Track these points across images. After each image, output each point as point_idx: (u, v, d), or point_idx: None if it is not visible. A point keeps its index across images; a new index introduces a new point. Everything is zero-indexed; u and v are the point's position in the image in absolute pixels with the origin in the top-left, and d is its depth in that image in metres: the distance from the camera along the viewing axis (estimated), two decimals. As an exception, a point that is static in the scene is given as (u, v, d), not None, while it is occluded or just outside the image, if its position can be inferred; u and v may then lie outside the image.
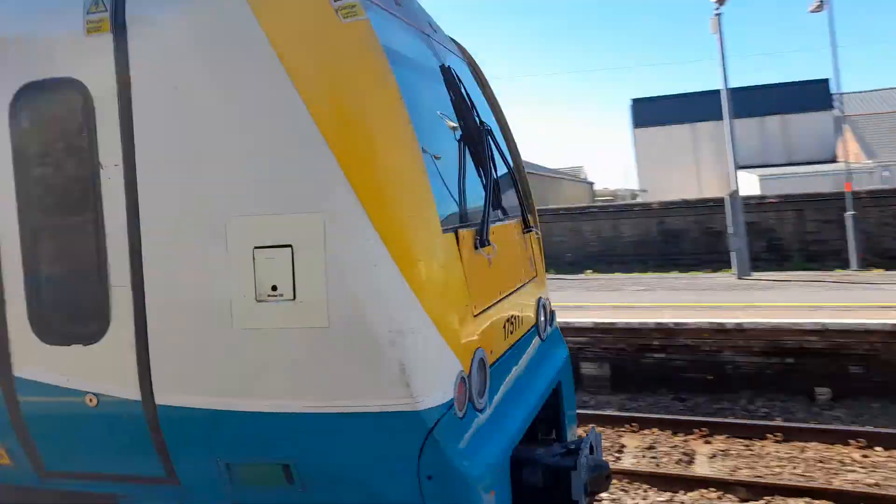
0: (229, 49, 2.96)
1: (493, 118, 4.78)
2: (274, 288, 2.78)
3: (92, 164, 3.05)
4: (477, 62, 5.18)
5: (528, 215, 4.75)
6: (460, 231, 3.23)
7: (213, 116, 2.95)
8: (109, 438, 3.11)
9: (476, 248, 3.34)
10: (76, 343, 3.09)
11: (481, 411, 3.10)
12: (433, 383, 2.77)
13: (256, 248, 2.79)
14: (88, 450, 3.21)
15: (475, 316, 3.20)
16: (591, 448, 3.79)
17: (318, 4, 2.91)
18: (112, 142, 3.01)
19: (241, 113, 2.93)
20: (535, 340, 4.48)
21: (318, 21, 2.91)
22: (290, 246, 2.76)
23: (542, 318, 4.66)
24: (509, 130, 5.13)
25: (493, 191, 3.65)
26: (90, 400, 3.05)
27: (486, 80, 5.14)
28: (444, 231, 3.02)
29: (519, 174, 4.85)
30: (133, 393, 2.99)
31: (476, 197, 3.55)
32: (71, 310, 3.20)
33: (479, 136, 3.72)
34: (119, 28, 2.99)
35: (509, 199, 4.37)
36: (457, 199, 3.40)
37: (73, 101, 3.06)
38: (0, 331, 3.21)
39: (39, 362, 3.16)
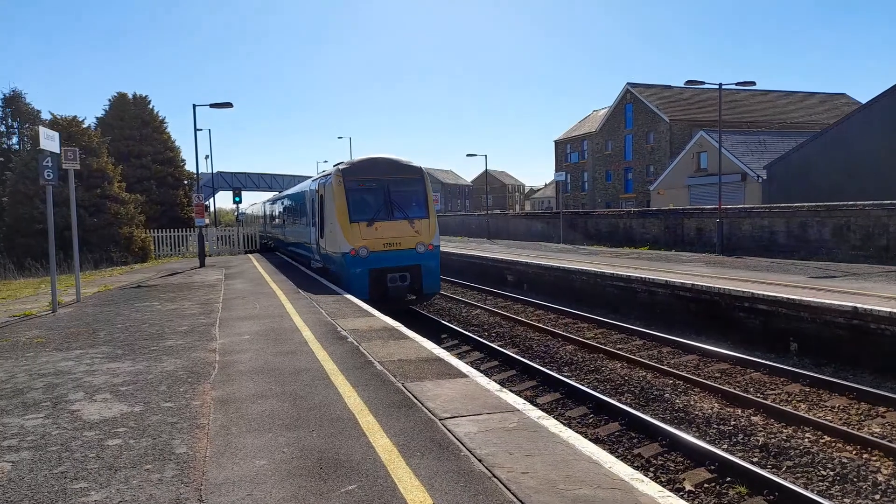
0: (329, 193, 15.49)
1: (415, 188, 15.78)
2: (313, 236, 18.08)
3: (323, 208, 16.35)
4: (423, 172, 16.19)
5: (418, 221, 15.27)
6: (356, 222, 14.84)
7: (328, 204, 15.62)
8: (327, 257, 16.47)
9: (369, 226, 14.84)
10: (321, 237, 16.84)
11: (359, 257, 14.63)
12: (345, 249, 14.69)
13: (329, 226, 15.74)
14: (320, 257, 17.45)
15: (364, 240, 14.73)
16: (417, 273, 15.18)
17: (338, 180, 15.08)
18: (322, 205, 16.44)
19: (329, 204, 15.57)
20: (413, 252, 15.03)
21: (336, 182, 15.11)
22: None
23: (420, 247, 15.06)
24: (425, 189, 15.86)
25: (383, 212, 15.18)
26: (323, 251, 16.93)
27: (424, 175, 16.11)
28: (352, 222, 14.84)
29: (423, 210, 15.64)
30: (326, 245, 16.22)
31: (380, 217, 15.15)
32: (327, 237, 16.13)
33: (383, 200, 15.32)
34: (325, 188, 16.10)
35: (404, 212, 15.37)
36: (362, 218, 14.92)
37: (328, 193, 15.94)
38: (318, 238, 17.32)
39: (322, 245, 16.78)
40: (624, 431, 7.52)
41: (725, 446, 7.02)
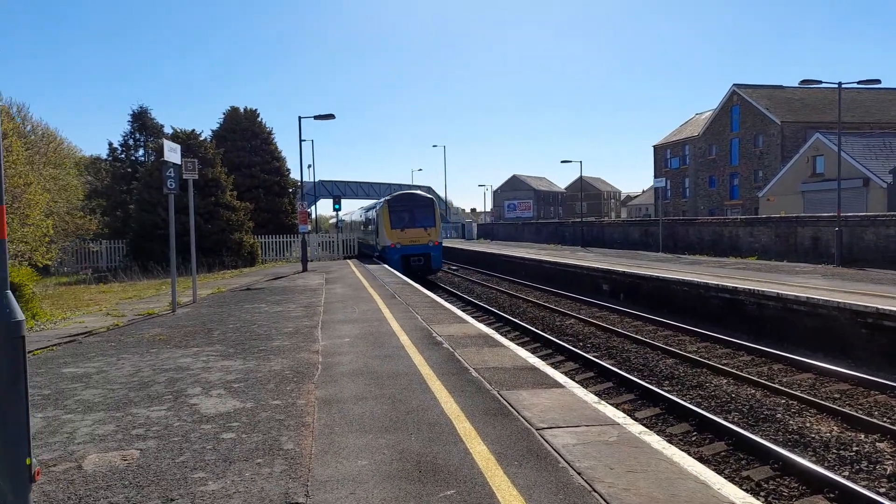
0: (381, 213, 28.64)
1: (428, 210, 28.47)
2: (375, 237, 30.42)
3: (378, 221, 29.56)
4: (433, 200, 29.44)
5: (430, 229, 27.89)
6: (395, 229, 27.55)
7: (381, 220, 28.55)
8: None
9: (401, 230, 27.55)
10: (377, 237, 29.88)
11: (396, 248, 27.28)
12: (388, 244, 27.60)
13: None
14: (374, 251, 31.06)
15: (398, 238, 27.45)
16: (429, 259, 27.84)
17: (385, 206, 28.52)
18: (378, 220, 29.63)
19: (381, 219, 28.51)
20: (426, 246, 27.61)
21: (384, 207, 28.48)
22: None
23: (430, 243, 27.59)
24: (434, 211, 28.63)
25: (410, 223, 27.90)
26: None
27: (434, 203, 29.19)
28: (392, 229, 27.60)
29: (433, 222, 28.28)
30: (379, 242, 29.04)
31: (407, 226, 27.93)
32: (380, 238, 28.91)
33: (408, 217, 28.11)
34: (379, 210, 29.75)
35: (421, 224, 27.96)
36: (398, 226, 27.62)
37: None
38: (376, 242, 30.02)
39: (378, 242, 29.48)
40: (731, 452, 7.13)
41: (846, 473, 6.50)
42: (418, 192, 30.84)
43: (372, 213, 32.47)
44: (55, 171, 25.24)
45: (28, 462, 3.26)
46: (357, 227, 40.33)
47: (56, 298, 17.14)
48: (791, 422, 8.09)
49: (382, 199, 31.16)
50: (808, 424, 7.98)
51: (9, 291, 3.35)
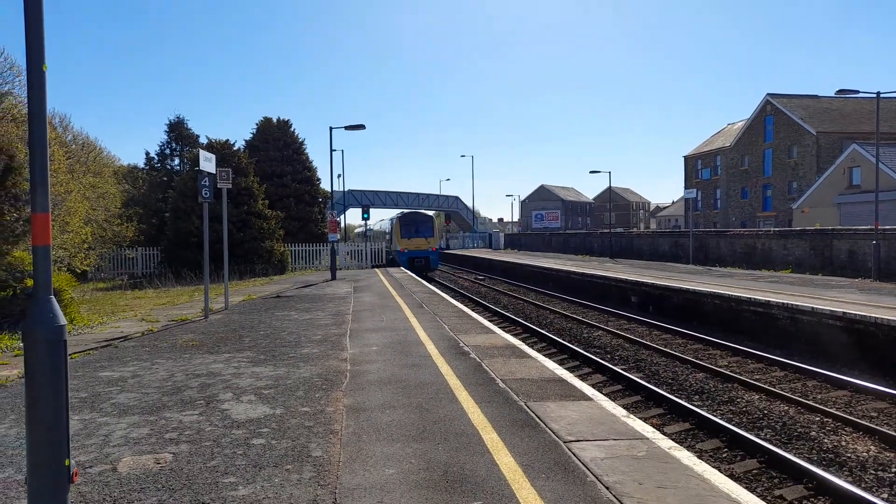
0: (395, 226, 39.98)
1: (429, 224, 39.04)
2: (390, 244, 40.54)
3: (392, 232, 41.03)
4: (433, 217, 41.21)
5: (429, 238, 37.63)
6: (403, 238, 37.54)
7: (394, 230, 39.43)
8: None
9: (408, 239, 37.49)
10: (391, 244, 40.29)
11: (404, 252, 36.97)
12: (399, 249, 37.53)
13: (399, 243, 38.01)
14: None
15: (406, 245, 37.26)
16: (428, 261, 37.32)
17: (397, 221, 39.82)
18: (392, 230, 41.50)
19: (394, 230, 39.39)
20: (426, 251, 37.18)
21: (397, 222, 39.86)
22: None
23: (429, 249, 37.22)
24: (433, 225, 39.48)
25: (415, 234, 37.72)
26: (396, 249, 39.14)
27: (433, 219, 40.79)
28: (401, 238, 37.67)
29: (431, 234, 38.31)
30: (393, 247, 39.23)
31: (413, 236, 37.75)
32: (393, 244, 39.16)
33: (414, 229, 38.04)
34: (393, 223, 42.11)
35: (423, 235, 37.83)
36: (406, 237, 37.62)
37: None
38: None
39: (392, 248, 39.58)
40: (763, 469, 6.98)
41: (885, 495, 6.31)
42: (421, 211, 46.29)
43: (387, 226, 46.18)
44: (94, 179, 25.94)
45: (67, 463, 3.36)
46: (381, 237, 47.76)
47: (93, 304, 17.59)
48: (826, 440, 7.89)
49: (395, 216, 42.97)
50: (843, 443, 7.78)
51: (52, 297, 3.47)
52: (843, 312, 12.53)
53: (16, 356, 9.22)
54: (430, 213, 43.33)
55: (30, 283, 11.49)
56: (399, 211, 49.22)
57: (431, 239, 37.68)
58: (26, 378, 3.35)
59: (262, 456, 4.79)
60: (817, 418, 8.71)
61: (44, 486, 3.30)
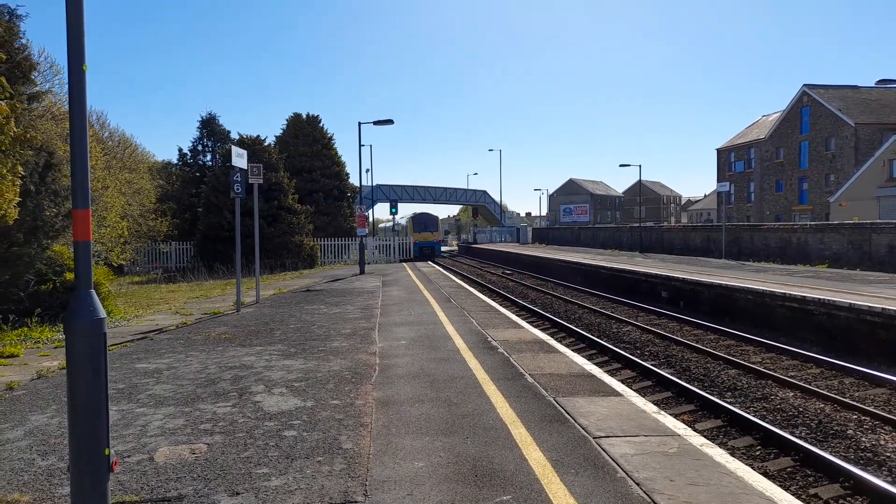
0: (409, 223, 55.22)
1: (434, 222, 54.65)
2: (405, 237, 46.65)
3: (407, 227, 55.81)
4: (437, 217, 56.65)
5: (434, 232, 53.13)
6: (415, 232, 50.61)
7: (408, 226, 54.52)
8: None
9: (419, 233, 50.72)
10: (407, 237, 47.23)
11: (416, 243, 45.42)
12: (412, 241, 43.22)
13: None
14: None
15: (417, 237, 48.42)
16: (433, 249, 51.72)
17: (410, 220, 55.40)
18: (406, 226, 56.38)
19: (408, 226, 54.17)
20: (432, 242, 52.12)
21: (410, 220, 55.79)
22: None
23: (434, 240, 52.45)
24: (437, 222, 55.69)
25: (423, 230, 52.20)
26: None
27: (437, 218, 56.22)
28: (414, 232, 50.60)
29: (436, 229, 54.57)
30: (409, 240, 43.95)
31: (422, 231, 51.96)
32: (408, 236, 47.03)
33: (423, 225, 53.21)
34: (408, 220, 58.40)
35: (429, 230, 52.93)
36: (417, 231, 51.17)
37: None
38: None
39: (408, 240, 44.23)
40: (797, 468, 6.85)
41: (925, 496, 6.13)
42: (428, 212, 55.96)
43: (404, 223, 58.07)
44: (130, 175, 26.55)
45: (107, 453, 3.47)
46: (402, 232, 56.43)
47: (129, 297, 18.03)
48: (864, 439, 7.71)
49: (409, 216, 55.68)
50: (882, 442, 7.59)
51: (92, 290, 3.57)
52: (883, 309, 12.20)
53: (56, 348, 9.51)
54: (435, 214, 56.18)
55: (69, 276, 11.83)
56: (412, 212, 61.62)
57: (436, 233, 53.40)
58: (68, 369, 3.45)
59: (294, 448, 4.86)
60: (854, 416, 8.51)
61: (85, 474, 3.41)
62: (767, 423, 8.13)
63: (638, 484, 4.04)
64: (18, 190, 10.43)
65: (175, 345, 9.62)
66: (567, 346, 12.49)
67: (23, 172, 10.88)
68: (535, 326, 13.83)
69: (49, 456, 4.79)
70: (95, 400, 3.45)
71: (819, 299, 13.93)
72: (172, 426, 5.47)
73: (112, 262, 21.09)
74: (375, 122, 25.43)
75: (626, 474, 4.20)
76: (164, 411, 5.93)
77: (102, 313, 3.54)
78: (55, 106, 15.56)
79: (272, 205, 29.83)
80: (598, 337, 14.64)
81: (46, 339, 10.37)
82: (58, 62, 16.94)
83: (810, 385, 10.01)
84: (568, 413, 5.63)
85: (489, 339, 9.59)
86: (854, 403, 8.88)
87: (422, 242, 49.31)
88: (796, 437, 7.61)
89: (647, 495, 3.88)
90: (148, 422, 5.61)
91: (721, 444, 7.54)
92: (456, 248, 75.44)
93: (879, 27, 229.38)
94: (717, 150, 62.81)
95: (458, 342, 9.30)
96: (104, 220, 20.06)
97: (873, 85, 50.23)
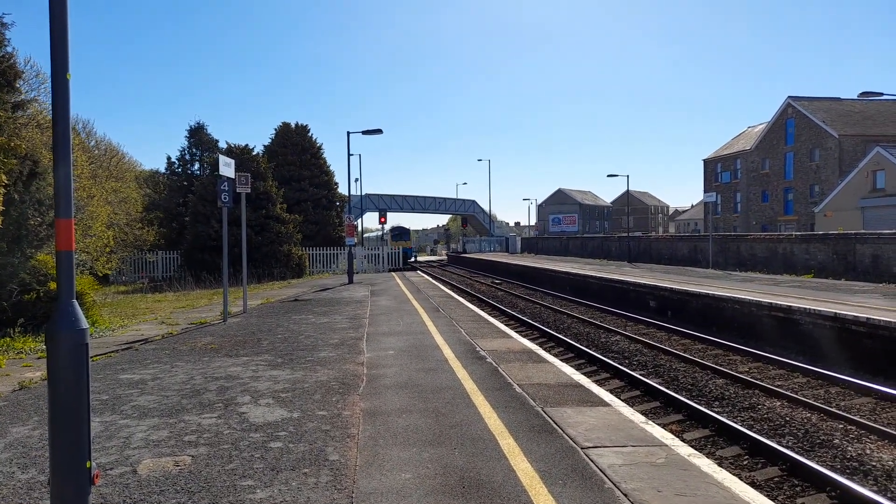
0: (387, 234, 57.25)
1: (407, 233, 62.51)
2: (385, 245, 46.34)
3: (386, 238, 55.72)
4: (409, 229, 64.24)
5: (407, 241, 59.41)
6: (392, 241, 53.22)
7: (387, 237, 55.57)
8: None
9: (395, 242, 53.12)
10: (386, 246, 46.00)
11: (393, 251, 41.48)
12: (389, 250, 40.74)
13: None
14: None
15: (394, 245, 47.10)
16: (411, 258, 57.40)
17: (389, 232, 56.64)
18: (384, 237, 56.65)
19: (387, 237, 55.54)
20: (406, 249, 52.34)
21: (389, 233, 57.24)
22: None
23: (407, 248, 54.28)
24: (409, 234, 63.85)
25: (399, 239, 56.49)
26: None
27: (409, 230, 64.12)
28: (392, 241, 53.11)
29: (408, 238, 61.57)
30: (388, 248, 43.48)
31: (398, 240, 54.60)
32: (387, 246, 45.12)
33: (399, 236, 58.99)
34: (387, 232, 57.86)
35: (403, 239, 58.01)
36: (394, 240, 54.86)
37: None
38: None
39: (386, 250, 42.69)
40: (785, 478, 6.86)
41: (911, 505, 6.16)
42: (402, 225, 62.65)
43: (383, 234, 60.94)
44: (116, 184, 26.35)
45: (88, 465, 3.41)
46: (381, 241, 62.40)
47: (114, 307, 17.84)
48: (850, 448, 7.75)
49: (388, 229, 57.29)
50: (868, 451, 7.63)
51: (74, 300, 3.53)
52: (867, 318, 12.31)
53: (39, 358, 9.38)
54: (407, 226, 63.38)
55: (53, 286, 11.69)
56: (391, 225, 66.61)
57: (408, 242, 60.73)
58: (49, 380, 3.40)
59: (280, 459, 4.81)
60: (841, 425, 8.56)
61: (66, 487, 3.35)
62: (755, 432, 8.16)
63: (626, 495, 4.03)
64: (2, 199, 10.31)
65: (160, 355, 9.51)
66: (555, 355, 12.50)
67: (6, 181, 10.76)
68: (524, 336, 13.82)
69: (29, 469, 4.71)
70: (77, 411, 3.39)
71: (805, 309, 14.04)
72: (156, 438, 5.39)
73: (97, 272, 20.88)
74: (364, 132, 25.45)
75: (614, 485, 4.19)
76: (147, 423, 5.85)
77: (85, 323, 3.49)
78: (40, 114, 15.44)
79: (260, 214, 29.71)
80: (586, 346, 14.65)
81: (30, 349, 10.22)
82: (44, 70, 16.84)
83: (797, 395, 10.06)
84: (556, 423, 5.61)
85: (477, 348, 9.57)
86: (840, 413, 8.93)
87: (397, 249, 57.56)
88: (784, 446, 7.64)
89: (635, 506, 3.86)
90: (131, 433, 5.53)
91: (709, 454, 7.55)
92: (445, 257, 75.44)
93: (862, 41, 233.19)
94: (704, 160, 63.42)
95: (447, 352, 9.27)
96: (89, 230, 19.87)
97: (856, 97, 50.99)
